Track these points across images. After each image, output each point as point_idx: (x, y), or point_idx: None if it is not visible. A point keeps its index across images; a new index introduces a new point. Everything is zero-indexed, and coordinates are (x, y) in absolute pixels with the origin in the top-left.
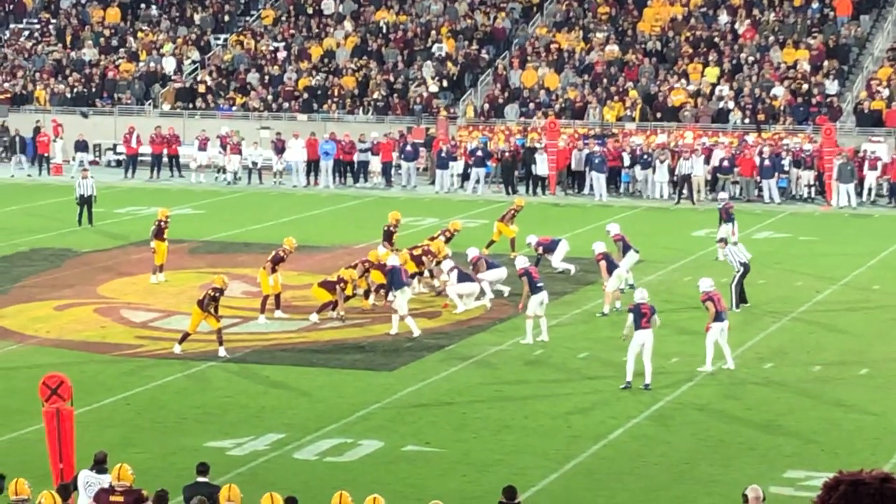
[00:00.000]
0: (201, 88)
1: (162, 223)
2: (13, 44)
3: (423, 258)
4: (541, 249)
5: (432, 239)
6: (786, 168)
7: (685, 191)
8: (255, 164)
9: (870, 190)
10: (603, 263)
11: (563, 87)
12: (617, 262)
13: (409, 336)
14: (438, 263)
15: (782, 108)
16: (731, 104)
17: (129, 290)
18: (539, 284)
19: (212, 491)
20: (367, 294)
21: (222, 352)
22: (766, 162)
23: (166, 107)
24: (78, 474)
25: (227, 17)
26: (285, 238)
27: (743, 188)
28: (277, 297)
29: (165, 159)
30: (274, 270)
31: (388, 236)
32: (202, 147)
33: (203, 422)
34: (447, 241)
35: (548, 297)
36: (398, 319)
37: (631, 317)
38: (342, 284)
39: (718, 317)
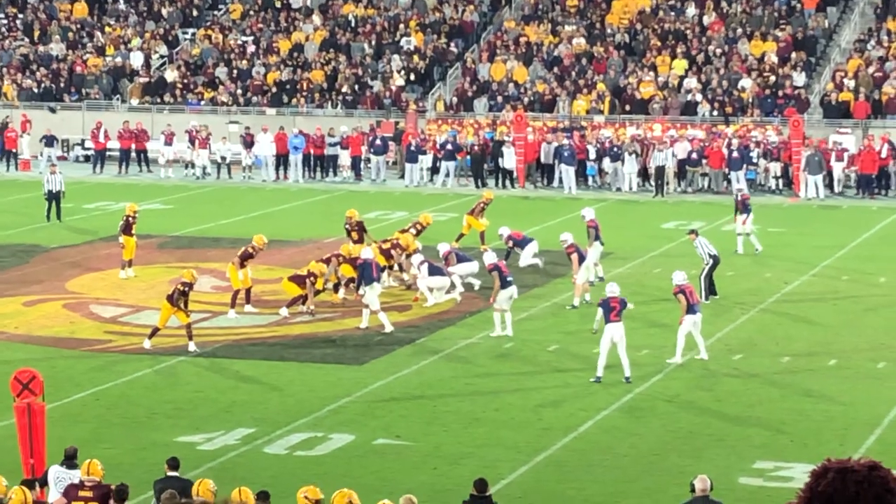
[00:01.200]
0: (170, 78)
1: (130, 218)
2: None
3: (392, 252)
4: (511, 243)
5: (403, 232)
6: (754, 160)
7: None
8: (223, 158)
9: (839, 181)
10: (575, 256)
11: (531, 80)
12: (585, 254)
13: (381, 331)
14: (408, 257)
15: (750, 100)
16: (699, 96)
17: (98, 286)
18: (509, 279)
19: (183, 485)
20: (336, 288)
21: (192, 346)
22: (735, 154)
23: (134, 101)
24: (48, 469)
25: (194, 12)
26: (255, 235)
27: (712, 180)
28: (248, 291)
29: (133, 154)
30: (243, 266)
31: (350, 233)
32: (168, 142)
33: (173, 417)
34: (417, 234)
35: (517, 292)
36: (368, 314)
37: (601, 311)
38: (312, 279)
39: (691, 309)
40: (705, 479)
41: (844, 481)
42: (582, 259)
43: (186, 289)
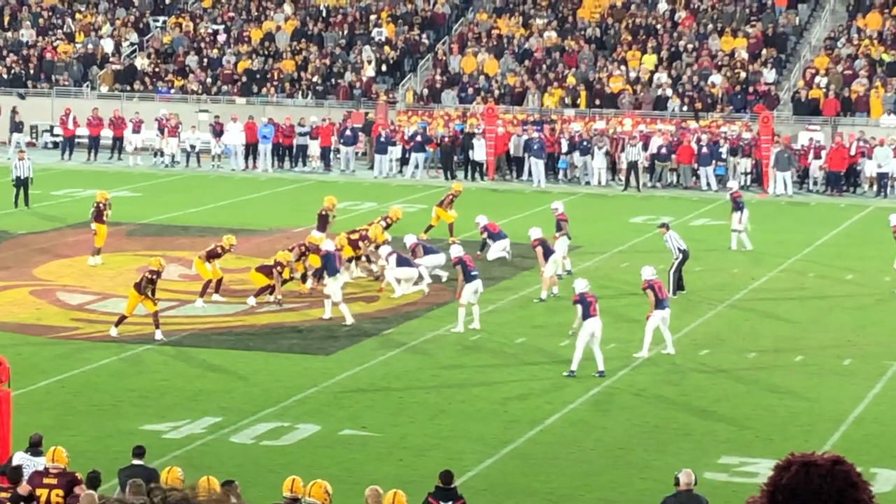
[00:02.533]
0: (140, 65)
1: (101, 205)
2: None
3: (360, 243)
4: (486, 234)
5: (371, 224)
6: (723, 156)
7: (632, 178)
8: (192, 147)
9: (815, 180)
10: (539, 249)
11: (502, 72)
12: (553, 249)
13: (343, 322)
14: (377, 248)
15: (720, 95)
16: (669, 91)
17: (66, 273)
18: (473, 273)
19: (149, 474)
20: (304, 278)
21: (159, 335)
22: (704, 149)
23: (104, 89)
24: (13, 456)
25: (166, 0)
26: (226, 236)
27: (681, 175)
28: (219, 281)
29: (109, 142)
30: (209, 261)
31: (323, 221)
32: (136, 129)
33: (139, 405)
34: (386, 227)
35: (482, 286)
36: (331, 304)
37: (579, 308)
38: (279, 268)
39: (660, 304)
40: (690, 474)
41: (808, 475)
42: (548, 253)
43: (154, 277)
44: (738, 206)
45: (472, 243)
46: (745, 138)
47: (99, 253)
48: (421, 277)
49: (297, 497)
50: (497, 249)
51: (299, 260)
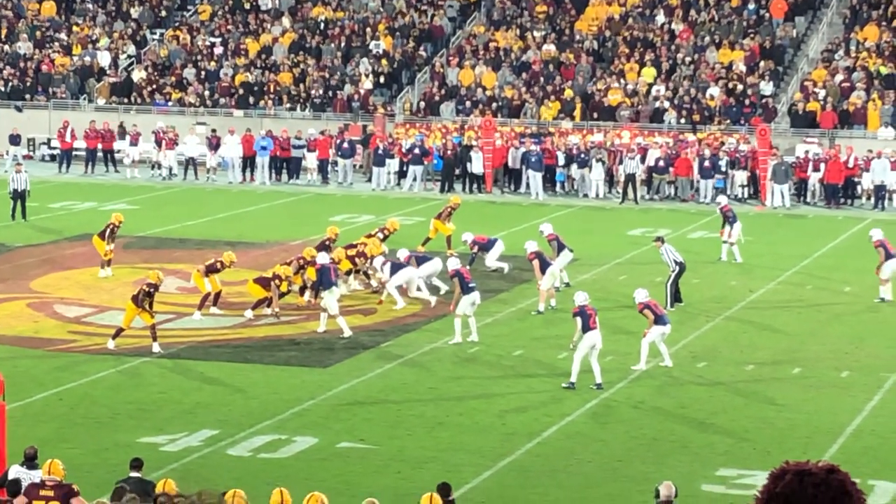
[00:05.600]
0: (137, 78)
1: (114, 227)
2: None
3: (357, 260)
4: (476, 248)
5: (370, 236)
6: (723, 168)
7: (629, 190)
8: (192, 159)
9: (813, 192)
10: (536, 262)
11: (499, 85)
12: (550, 261)
13: (340, 335)
14: (372, 261)
15: (717, 108)
16: (666, 104)
17: (63, 285)
18: (471, 285)
19: (145, 487)
20: (302, 291)
21: (156, 347)
22: (707, 163)
23: (101, 101)
24: (8, 470)
25: (163, 12)
26: (226, 253)
27: (679, 188)
28: (217, 294)
29: (100, 154)
30: (207, 276)
31: (324, 248)
32: (134, 142)
33: (136, 417)
34: (384, 239)
35: (480, 298)
36: (326, 317)
37: (579, 321)
38: (277, 281)
39: (660, 320)
40: (670, 486)
41: (802, 483)
42: (544, 266)
43: (151, 290)
44: (727, 219)
45: (468, 256)
46: (742, 151)
47: (110, 264)
48: (419, 290)
49: None
50: (493, 257)
51: (297, 273)
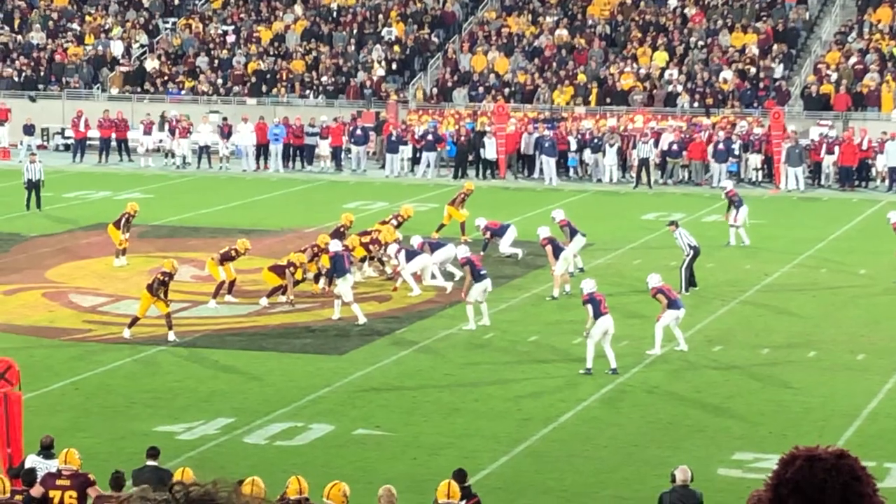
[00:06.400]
0: (150, 67)
1: (129, 217)
2: None
3: (371, 247)
4: (489, 234)
5: (384, 223)
6: (736, 152)
7: (643, 175)
8: (205, 147)
9: (827, 175)
10: (549, 248)
11: (512, 70)
12: (563, 246)
13: (355, 322)
14: (386, 248)
15: (731, 91)
16: (679, 88)
17: (78, 275)
18: (482, 272)
19: (162, 475)
20: (316, 278)
21: (172, 336)
22: (721, 146)
23: (114, 90)
24: (25, 459)
25: (175, 1)
26: (240, 240)
27: (693, 172)
28: (232, 282)
29: (114, 143)
30: (222, 264)
31: (338, 235)
32: (147, 131)
33: (152, 406)
34: (398, 226)
35: (491, 285)
36: (340, 304)
37: (590, 308)
38: (292, 269)
39: (674, 304)
40: (686, 470)
41: (812, 469)
42: (557, 251)
43: (166, 278)
44: (733, 203)
45: (482, 242)
46: (756, 133)
47: (125, 253)
48: (434, 276)
49: (307, 497)
50: (507, 242)
51: (312, 260)
